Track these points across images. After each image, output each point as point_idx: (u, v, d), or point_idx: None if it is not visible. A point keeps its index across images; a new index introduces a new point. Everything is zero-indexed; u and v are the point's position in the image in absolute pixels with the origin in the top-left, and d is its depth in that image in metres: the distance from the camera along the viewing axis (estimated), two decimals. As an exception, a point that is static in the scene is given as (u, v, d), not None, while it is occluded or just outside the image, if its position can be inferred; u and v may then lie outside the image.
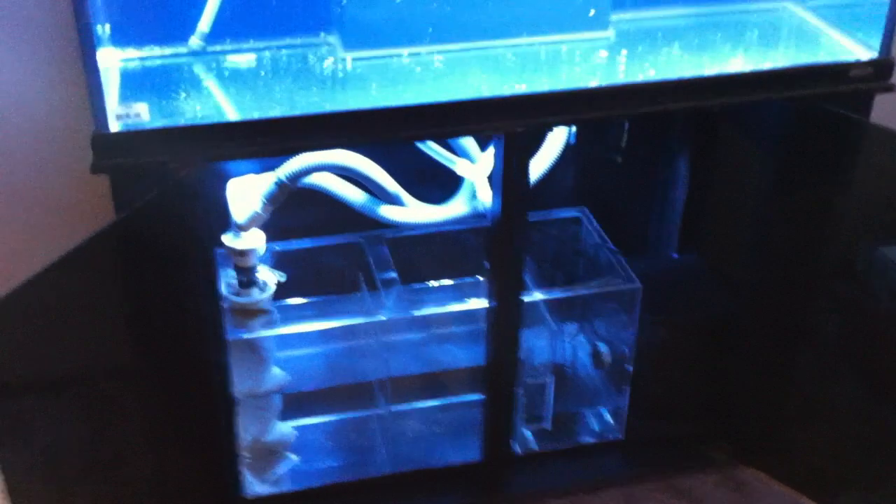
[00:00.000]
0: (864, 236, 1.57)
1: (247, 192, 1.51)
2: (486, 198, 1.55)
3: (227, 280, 1.58)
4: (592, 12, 1.43)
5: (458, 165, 1.55)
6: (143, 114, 1.26)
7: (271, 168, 1.50)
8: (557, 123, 1.45)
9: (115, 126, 1.24)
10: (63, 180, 1.61)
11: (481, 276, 1.78)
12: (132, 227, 1.29)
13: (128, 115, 1.25)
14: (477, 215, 1.59)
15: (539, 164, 1.58)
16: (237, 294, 1.57)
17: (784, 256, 1.60)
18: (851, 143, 1.47)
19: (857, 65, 1.40)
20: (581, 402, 1.82)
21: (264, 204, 1.49)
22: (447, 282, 1.83)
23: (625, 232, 1.77)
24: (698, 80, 1.38)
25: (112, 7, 1.34)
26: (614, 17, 1.47)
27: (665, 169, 1.82)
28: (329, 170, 1.51)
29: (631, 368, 1.73)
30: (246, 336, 1.57)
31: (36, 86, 1.57)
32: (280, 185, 1.48)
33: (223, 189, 1.53)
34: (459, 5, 1.39)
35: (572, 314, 1.83)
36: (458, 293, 1.81)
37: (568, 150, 1.62)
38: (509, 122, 1.35)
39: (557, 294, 1.70)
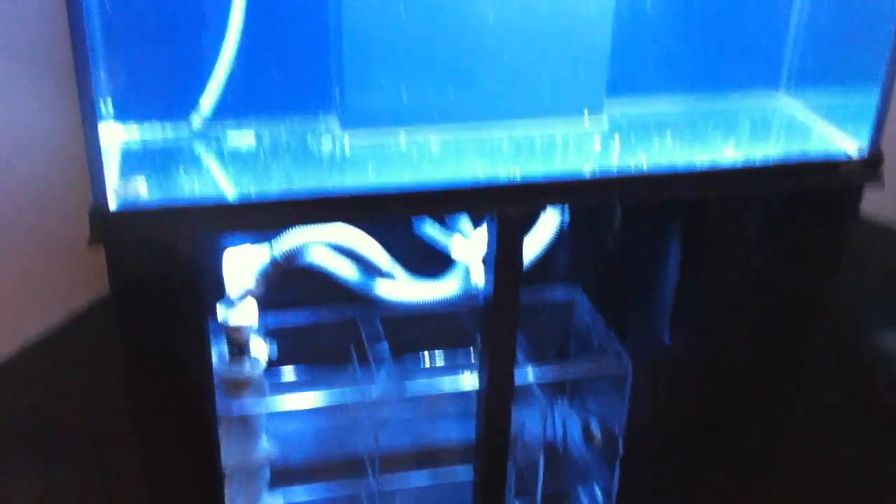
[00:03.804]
0: (855, 326, 1.58)
1: (242, 266, 1.52)
2: (479, 277, 1.57)
3: (218, 351, 1.59)
4: (587, 114, 1.46)
5: (453, 248, 1.56)
6: (141, 189, 1.28)
7: (269, 237, 1.52)
8: (550, 208, 1.46)
9: (113, 201, 1.26)
10: (60, 248, 1.62)
11: (474, 352, 1.79)
12: (126, 300, 1.30)
13: (126, 191, 1.27)
14: (470, 295, 1.61)
15: (532, 245, 1.60)
16: (228, 366, 1.58)
17: (776, 343, 1.60)
18: (841, 235, 1.49)
19: (847, 160, 1.42)
20: (572, 480, 1.82)
21: (258, 281, 1.51)
22: (440, 358, 1.83)
23: (617, 312, 1.78)
24: (689, 171, 1.40)
25: (115, 82, 1.37)
26: (608, 103, 1.49)
27: (658, 252, 1.83)
28: (324, 247, 1.53)
29: (622, 446, 1.72)
30: (236, 408, 1.57)
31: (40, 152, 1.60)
32: (274, 263, 1.49)
33: (220, 257, 1.54)
34: (456, 89, 1.42)
35: (564, 391, 1.83)
36: (451, 370, 1.81)
37: (562, 232, 1.63)
38: (503, 205, 1.36)
39: (549, 372, 1.71)
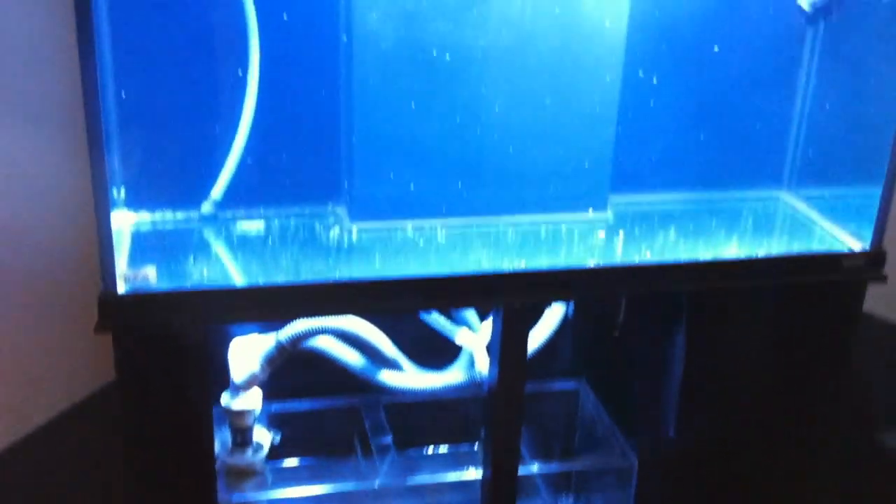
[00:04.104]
0: (860, 421, 1.57)
1: (247, 353, 1.53)
2: (483, 367, 1.57)
3: (221, 439, 1.58)
4: (592, 210, 1.49)
5: (458, 335, 1.57)
6: (150, 277, 1.29)
7: (275, 328, 1.53)
8: (555, 300, 1.47)
9: (122, 287, 1.27)
10: (65, 335, 1.63)
11: (478, 443, 1.78)
12: (131, 385, 1.30)
13: (136, 278, 1.29)
14: (474, 384, 1.61)
15: (537, 336, 1.60)
16: (231, 454, 1.57)
17: (781, 438, 1.59)
18: (845, 329, 1.49)
19: (850, 255, 1.43)
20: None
21: (263, 366, 1.51)
22: (443, 449, 1.82)
23: (623, 405, 1.77)
24: (693, 264, 1.41)
25: (128, 172, 1.39)
26: (614, 198, 1.51)
27: (663, 344, 1.83)
28: (329, 334, 1.54)
29: (628, 544, 1.69)
30: (237, 498, 1.56)
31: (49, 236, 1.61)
32: (280, 347, 1.50)
33: (226, 347, 1.55)
34: (463, 183, 1.45)
35: (569, 484, 1.81)
36: (455, 461, 1.80)
37: (566, 323, 1.64)
38: (508, 297, 1.37)
39: (553, 467, 1.69)
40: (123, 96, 1.34)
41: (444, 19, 1.36)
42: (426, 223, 1.46)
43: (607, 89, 1.44)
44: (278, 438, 1.61)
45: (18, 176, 1.54)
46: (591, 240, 1.46)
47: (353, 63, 1.37)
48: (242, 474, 1.57)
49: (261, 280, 1.32)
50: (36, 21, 1.44)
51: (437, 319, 1.57)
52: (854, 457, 1.62)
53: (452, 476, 1.63)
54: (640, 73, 1.49)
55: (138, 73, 1.36)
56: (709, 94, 1.55)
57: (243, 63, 1.38)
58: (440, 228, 1.46)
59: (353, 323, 1.53)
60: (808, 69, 1.56)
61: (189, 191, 1.43)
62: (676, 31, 1.50)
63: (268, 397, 1.62)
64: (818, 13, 1.45)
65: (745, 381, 1.64)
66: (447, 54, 1.37)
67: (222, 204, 1.44)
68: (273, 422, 1.66)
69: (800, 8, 1.46)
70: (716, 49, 1.52)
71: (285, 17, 1.38)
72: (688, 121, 1.56)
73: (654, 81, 1.51)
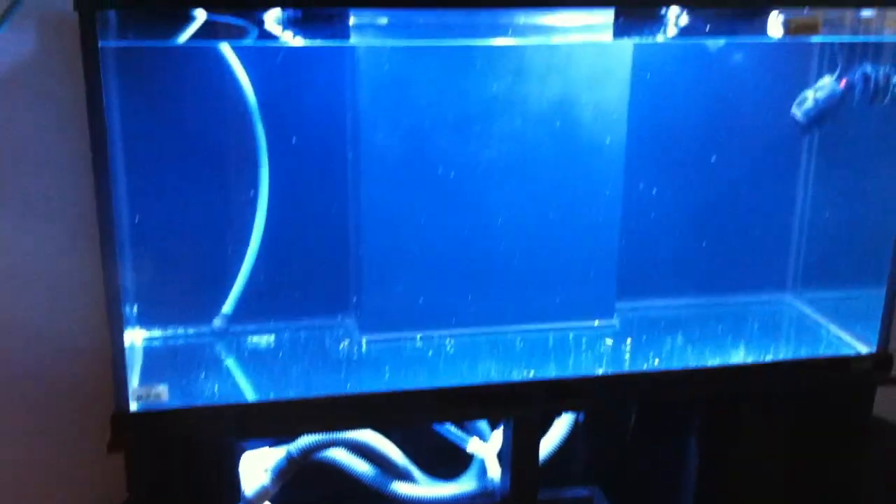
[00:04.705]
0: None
1: (257, 466, 1.52)
2: (495, 475, 1.56)
3: (233, 555, 1.57)
4: (598, 320, 1.51)
5: (469, 443, 1.57)
6: (162, 395, 1.31)
7: (286, 440, 1.53)
8: (565, 409, 1.48)
9: (134, 405, 1.28)
10: (76, 456, 1.62)
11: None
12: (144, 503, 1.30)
13: (148, 396, 1.30)
14: (487, 493, 1.60)
15: (548, 443, 1.60)
16: (242, 570, 1.56)
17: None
18: (854, 434, 1.49)
19: (857, 358, 1.44)
20: None
21: (273, 478, 1.51)
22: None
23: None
24: (701, 370, 1.42)
25: (141, 290, 1.42)
26: (619, 304, 1.53)
27: (675, 449, 1.82)
28: (340, 445, 1.54)
29: None
30: None
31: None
32: (290, 459, 1.50)
33: (237, 460, 1.55)
34: (470, 294, 1.47)
35: None
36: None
37: (577, 429, 1.63)
38: (518, 407, 1.38)
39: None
40: (136, 220, 1.38)
41: (449, 136, 1.40)
42: (435, 334, 1.47)
43: (609, 201, 1.47)
44: (290, 553, 1.59)
45: (24, 287, 1.56)
46: (598, 348, 1.47)
47: (361, 179, 1.41)
48: (254, 591, 1.55)
49: (272, 395, 1.33)
50: (57, 135, 1.47)
51: (447, 428, 1.57)
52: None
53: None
54: (641, 186, 1.53)
55: (152, 192, 1.40)
56: (709, 202, 1.58)
57: (254, 181, 1.42)
58: (449, 339, 1.47)
59: (364, 434, 1.53)
60: (805, 176, 1.60)
61: (200, 306, 1.46)
62: (675, 143, 1.54)
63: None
64: (812, 122, 1.48)
65: (759, 485, 1.63)
66: (452, 170, 1.41)
67: (233, 318, 1.46)
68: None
69: (794, 117, 1.50)
70: (714, 159, 1.55)
71: (294, 140, 1.42)
72: (690, 228, 1.59)
73: (654, 192, 1.54)
